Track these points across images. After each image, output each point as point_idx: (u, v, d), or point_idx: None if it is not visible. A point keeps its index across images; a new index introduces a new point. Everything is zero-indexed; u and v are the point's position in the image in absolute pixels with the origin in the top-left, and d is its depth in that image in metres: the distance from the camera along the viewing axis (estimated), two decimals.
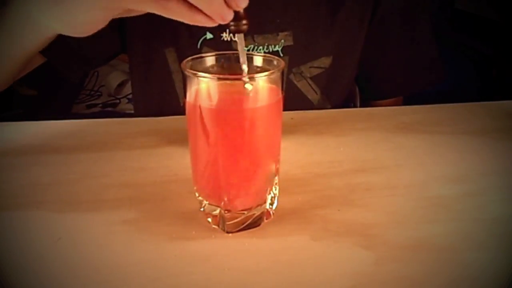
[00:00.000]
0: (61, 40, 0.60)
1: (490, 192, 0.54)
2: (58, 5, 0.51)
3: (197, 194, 0.48)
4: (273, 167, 0.47)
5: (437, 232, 0.47)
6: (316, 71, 0.79)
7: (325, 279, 0.41)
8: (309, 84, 0.79)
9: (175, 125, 0.67)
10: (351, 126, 0.70)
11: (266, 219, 0.48)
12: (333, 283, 0.40)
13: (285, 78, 0.76)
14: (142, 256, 0.43)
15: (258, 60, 0.48)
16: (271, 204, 0.48)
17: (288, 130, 0.62)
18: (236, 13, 0.43)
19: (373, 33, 0.81)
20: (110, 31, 0.65)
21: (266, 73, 0.45)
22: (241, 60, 0.45)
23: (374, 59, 0.85)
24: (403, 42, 0.83)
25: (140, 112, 0.86)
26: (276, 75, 0.45)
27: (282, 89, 0.46)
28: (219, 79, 0.44)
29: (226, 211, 0.46)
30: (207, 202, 0.47)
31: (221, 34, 0.74)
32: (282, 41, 0.76)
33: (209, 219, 0.47)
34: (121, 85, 1.88)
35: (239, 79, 0.45)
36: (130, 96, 1.78)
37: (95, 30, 0.52)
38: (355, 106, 0.96)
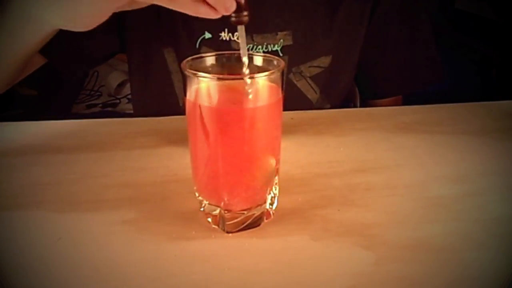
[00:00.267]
0: (60, 40, 0.60)
1: (490, 192, 0.54)
2: (59, 0, 0.51)
3: (197, 194, 0.48)
4: (273, 167, 0.47)
5: (437, 232, 0.47)
6: (315, 71, 0.79)
7: (325, 279, 0.41)
8: (309, 84, 0.79)
9: (175, 125, 0.67)
10: (351, 126, 0.70)
11: (266, 219, 0.48)
12: (333, 283, 0.40)
13: (285, 78, 0.76)
14: (142, 256, 0.43)
15: (258, 60, 0.48)
16: (271, 204, 0.48)
17: (288, 130, 0.62)
18: (238, 4, 0.44)
19: (373, 32, 0.81)
20: (108, 29, 0.65)
21: (266, 73, 0.45)
22: (242, 52, 0.45)
23: (374, 59, 0.85)
24: (403, 41, 0.83)
25: (140, 112, 0.86)
26: (276, 75, 0.45)
27: (282, 89, 0.46)
28: (219, 79, 0.44)
29: (226, 211, 0.46)
30: (207, 202, 0.47)
31: (220, 34, 0.74)
32: (281, 40, 0.75)
33: (209, 219, 0.47)
34: (121, 85, 1.87)
35: (239, 79, 0.45)
36: (130, 96, 1.77)
37: (96, 24, 0.52)
38: (355, 106, 0.96)
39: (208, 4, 0.44)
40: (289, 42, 0.76)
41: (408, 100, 0.88)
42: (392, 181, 0.56)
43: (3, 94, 0.68)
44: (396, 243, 0.45)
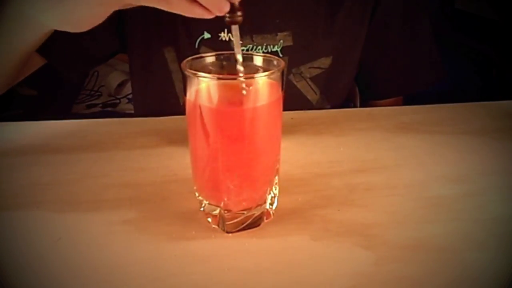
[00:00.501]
0: (60, 41, 0.60)
1: (490, 192, 0.54)
2: (57, 3, 0.51)
3: (197, 194, 0.48)
4: (273, 167, 0.47)
5: (437, 232, 0.47)
6: (315, 72, 0.79)
7: (325, 279, 0.41)
8: (309, 85, 0.79)
9: (175, 125, 0.67)
10: (351, 126, 0.70)
11: (266, 219, 0.48)
12: (333, 283, 0.40)
13: (285, 78, 0.76)
14: (142, 256, 0.43)
15: (258, 60, 0.48)
16: (271, 204, 0.48)
17: (288, 130, 0.62)
18: (232, 5, 0.45)
19: (373, 33, 0.81)
20: (108, 29, 0.65)
21: (266, 73, 0.45)
22: (236, 50, 0.46)
23: (374, 59, 0.85)
24: (403, 42, 0.83)
25: (140, 112, 0.86)
26: (276, 75, 0.45)
27: (282, 89, 0.46)
28: (219, 79, 0.44)
29: (226, 211, 0.46)
30: (207, 202, 0.47)
31: (219, 34, 0.74)
32: (281, 41, 0.75)
33: (209, 219, 0.47)
34: (121, 85, 1.87)
35: (239, 79, 0.45)
36: (130, 96, 1.78)
37: (93, 26, 0.52)
38: (355, 106, 0.96)
39: (202, 5, 0.45)
40: (289, 43, 0.76)
41: (408, 100, 0.88)
42: (392, 181, 0.56)
43: (3, 94, 0.68)
44: (396, 243, 0.45)
